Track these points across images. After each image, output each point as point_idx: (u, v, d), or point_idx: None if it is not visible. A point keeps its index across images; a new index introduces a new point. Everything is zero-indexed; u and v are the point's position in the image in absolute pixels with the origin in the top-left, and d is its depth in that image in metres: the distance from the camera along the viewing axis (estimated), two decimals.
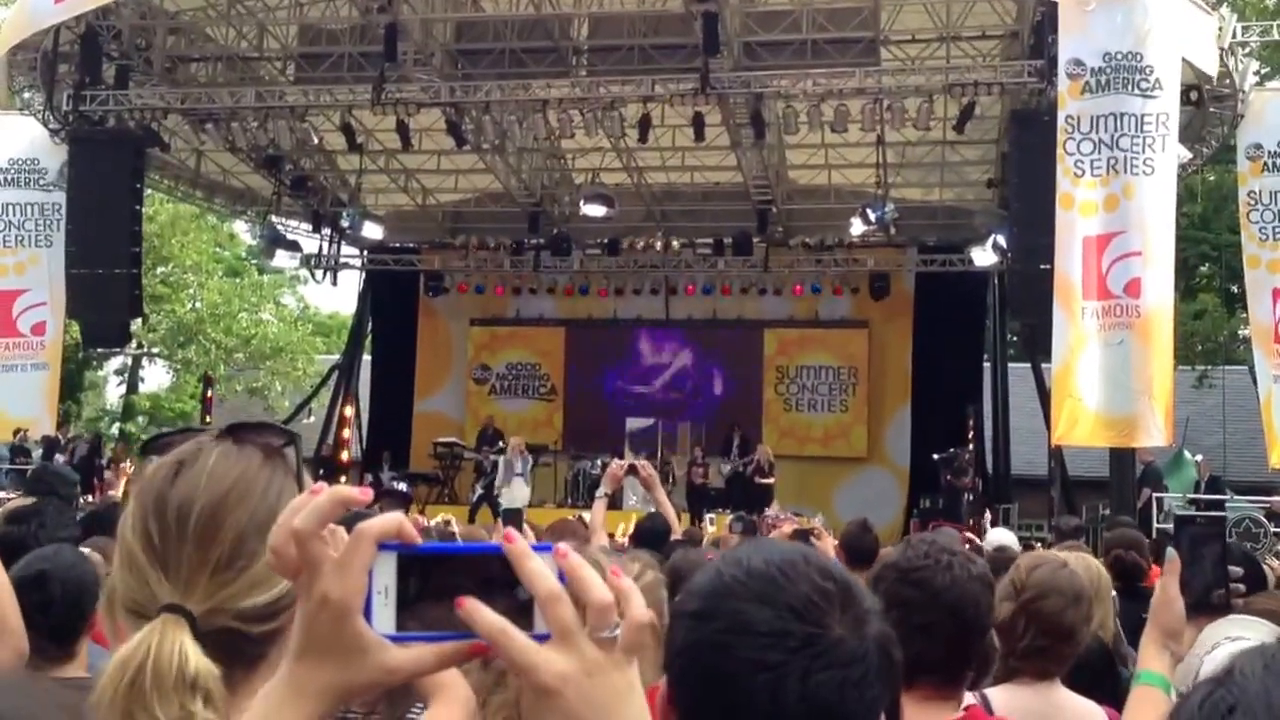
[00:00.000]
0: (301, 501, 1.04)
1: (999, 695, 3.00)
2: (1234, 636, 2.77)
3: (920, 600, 2.37)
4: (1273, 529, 16.72)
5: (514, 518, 5.22)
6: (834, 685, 1.27)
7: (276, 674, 1.07)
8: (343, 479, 22.13)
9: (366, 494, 1.07)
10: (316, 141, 19.43)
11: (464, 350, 24.05)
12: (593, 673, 0.99)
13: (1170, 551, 2.45)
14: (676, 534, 6.18)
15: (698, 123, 17.05)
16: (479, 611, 0.99)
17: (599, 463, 18.26)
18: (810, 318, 23.19)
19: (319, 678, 1.04)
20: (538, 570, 0.99)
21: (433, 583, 1.03)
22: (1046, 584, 3.16)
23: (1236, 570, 2.52)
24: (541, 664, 0.99)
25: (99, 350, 27.09)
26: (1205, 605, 2.42)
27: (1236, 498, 18.62)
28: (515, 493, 17.70)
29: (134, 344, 28.23)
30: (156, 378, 36.86)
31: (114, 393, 37.33)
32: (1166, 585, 2.33)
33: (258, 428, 1.45)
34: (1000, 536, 11.62)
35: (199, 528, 1.35)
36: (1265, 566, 5.52)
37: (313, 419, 25.74)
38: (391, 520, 1.03)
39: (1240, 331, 25.56)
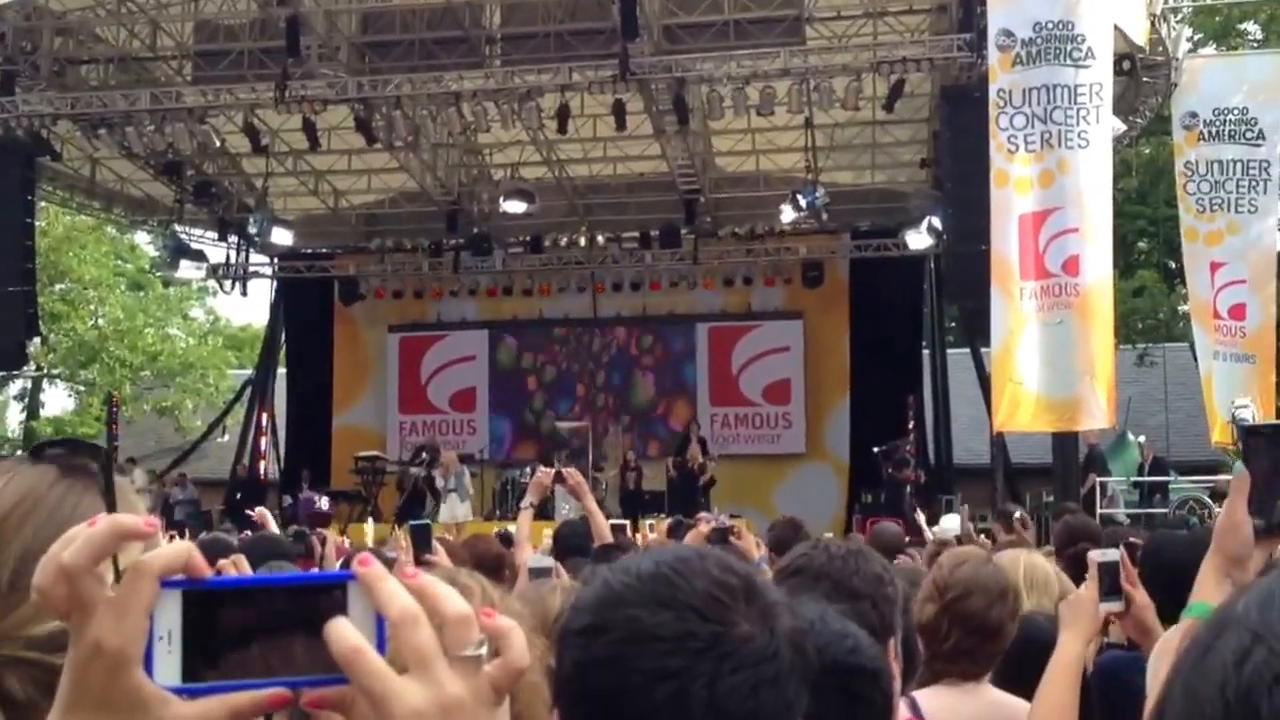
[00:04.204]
0: (75, 532, 0.93)
1: (927, 697, 2.94)
2: None
3: (803, 584, 2.25)
4: (1217, 509, 16.45)
5: (421, 533, 4.70)
6: (746, 689, 1.18)
7: None
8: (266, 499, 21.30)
9: (152, 524, 0.95)
10: (218, 144, 18.59)
11: (383, 359, 23.28)
12: (452, 711, 0.89)
13: (1238, 467, 2.34)
14: (606, 540, 5.79)
15: (619, 111, 16.54)
16: (339, 627, 0.89)
17: (528, 470, 17.56)
18: (743, 310, 22.68)
19: None
20: (393, 590, 0.90)
21: (225, 623, 0.92)
22: (970, 582, 3.08)
23: None
24: (397, 696, 0.88)
25: None
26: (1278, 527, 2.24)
27: (1180, 479, 18.40)
28: (455, 510, 16.99)
29: (32, 366, 27.19)
30: (59, 401, 35.81)
31: (15, 419, 36.08)
32: (1234, 506, 2.18)
33: (62, 443, 1.39)
34: (949, 523, 11.14)
35: None
36: None
37: (227, 437, 24.91)
38: (178, 553, 0.92)
39: (1180, 308, 25.53)
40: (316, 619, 0.90)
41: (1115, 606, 3.00)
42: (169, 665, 0.91)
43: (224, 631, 0.92)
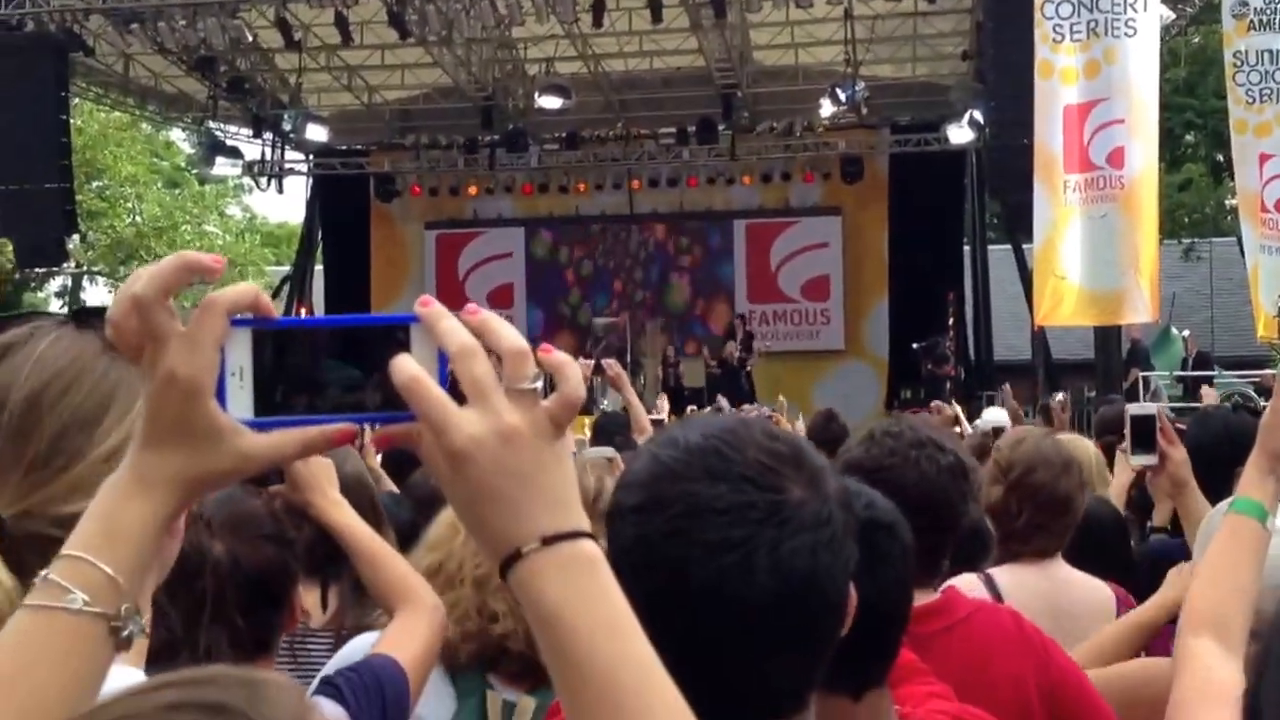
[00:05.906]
0: (145, 269, 0.97)
1: (1004, 575, 2.96)
2: None
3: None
4: (1263, 404, 16.31)
5: None
6: (806, 551, 1.22)
7: (122, 464, 0.98)
8: None
9: (219, 261, 0.98)
10: (251, 40, 18.41)
11: (420, 256, 23.28)
12: (511, 439, 0.91)
13: None
14: (647, 434, 5.74)
15: (654, 4, 16.24)
16: (401, 360, 0.92)
17: None
18: (781, 206, 22.47)
19: (168, 465, 0.96)
20: (452, 327, 0.93)
21: (294, 361, 0.97)
22: (1033, 457, 3.06)
23: None
24: (456, 424, 0.91)
25: (37, 270, 26.48)
26: None
27: (1225, 373, 18.24)
28: None
29: (73, 263, 27.44)
30: (99, 297, 35.84)
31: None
32: (1277, 404, 2.12)
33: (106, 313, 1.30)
34: (994, 416, 11.07)
35: (15, 420, 1.24)
36: None
37: None
38: (245, 291, 0.96)
39: (1227, 201, 25.04)
40: (382, 358, 0.92)
41: (1149, 460, 3.04)
42: (241, 400, 0.95)
43: (293, 369, 0.97)
